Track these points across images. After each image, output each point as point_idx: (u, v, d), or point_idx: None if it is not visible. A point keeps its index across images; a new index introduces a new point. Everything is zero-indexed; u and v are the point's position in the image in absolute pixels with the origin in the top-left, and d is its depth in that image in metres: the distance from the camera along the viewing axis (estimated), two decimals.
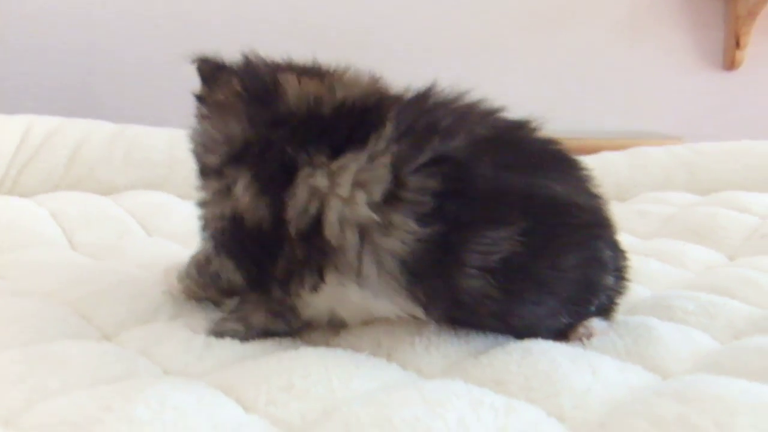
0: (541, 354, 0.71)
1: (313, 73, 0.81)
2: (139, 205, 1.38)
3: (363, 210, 0.71)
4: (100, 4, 2.32)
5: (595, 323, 0.81)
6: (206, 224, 0.81)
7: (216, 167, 0.79)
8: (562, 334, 0.80)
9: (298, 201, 0.73)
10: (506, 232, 0.71)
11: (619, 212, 1.48)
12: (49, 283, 0.95)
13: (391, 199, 0.71)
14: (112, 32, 2.32)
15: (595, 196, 0.82)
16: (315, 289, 0.75)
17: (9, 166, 1.51)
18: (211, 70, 0.84)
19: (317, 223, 0.72)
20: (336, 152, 0.73)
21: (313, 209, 0.72)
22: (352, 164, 0.72)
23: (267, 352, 0.75)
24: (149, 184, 1.53)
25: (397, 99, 0.79)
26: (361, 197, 0.71)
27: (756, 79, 2.80)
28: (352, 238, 0.72)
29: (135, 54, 2.34)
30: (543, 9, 2.66)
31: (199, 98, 0.84)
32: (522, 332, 0.77)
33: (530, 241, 0.71)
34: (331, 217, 0.72)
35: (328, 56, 0.83)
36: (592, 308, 0.81)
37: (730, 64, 2.76)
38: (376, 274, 0.72)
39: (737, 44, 2.72)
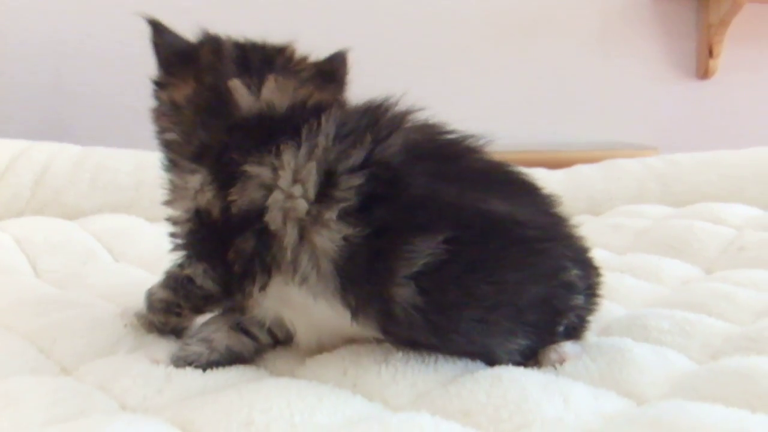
0: (511, 382, 0.69)
1: (266, 66, 0.83)
2: (105, 229, 1.35)
3: (301, 204, 0.73)
4: (69, 27, 2.29)
5: (568, 347, 0.79)
6: (176, 229, 0.82)
7: (177, 161, 0.82)
8: (533, 357, 0.78)
9: (246, 193, 0.75)
10: (431, 240, 0.70)
11: (592, 226, 1.49)
12: (8, 314, 0.92)
13: (323, 196, 0.72)
14: (79, 52, 2.29)
15: (551, 215, 0.81)
16: (263, 287, 0.76)
17: None
18: (168, 57, 0.85)
19: (261, 214, 0.74)
20: (280, 151, 0.75)
21: (258, 200, 0.74)
22: (292, 161, 0.74)
23: (229, 384, 0.73)
24: (116, 207, 1.50)
25: (340, 102, 0.83)
26: (298, 191, 0.73)
27: (730, 88, 2.80)
28: (292, 233, 0.73)
29: (101, 74, 2.31)
30: (514, 21, 2.65)
31: (158, 84, 0.86)
32: (479, 355, 0.76)
33: (459, 252, 0.71)
34: (274, 208, 0.74)
35: None
36: (560, 329, 0.79)
37: (703, 73, 2.76)
38: (315, 275, 0.73)
39: (710, 53, 2.72)
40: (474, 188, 0.75)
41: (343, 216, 0.71)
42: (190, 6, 2.27)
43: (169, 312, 0.84)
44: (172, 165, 0.83)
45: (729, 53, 2.75)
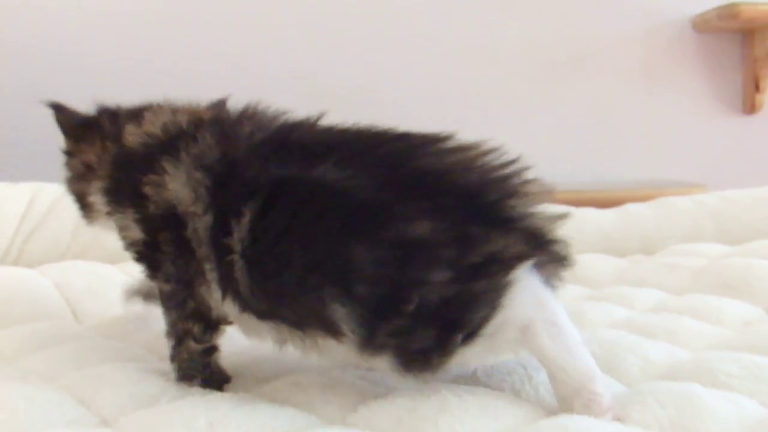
0: None
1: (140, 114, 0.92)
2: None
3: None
4: (109, 83, 2.30)
5: None
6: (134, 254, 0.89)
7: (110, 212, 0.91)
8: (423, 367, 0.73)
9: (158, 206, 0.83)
10: (247, 215, 0.75)
11: (647, 267, 1.45)
12: (48, 363, 0.90)
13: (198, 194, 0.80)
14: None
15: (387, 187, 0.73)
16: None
17: (15, 234, 1.47)
18: (73, 128, 0.97)
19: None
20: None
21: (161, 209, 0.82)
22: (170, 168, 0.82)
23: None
24: None
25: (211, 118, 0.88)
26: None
27: None
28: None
29: None
30: (555, 58, 2.63)
31: (68, 154, 0.98)
32: (327, 328, 0.73)
33: (268, 223, 0.74)
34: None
35: (336, 111, 0.83)
36: (411, 308, 0.70)
37: (750, 107, 2.70)
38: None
39: (756, 87, 2.67)
40: (303, 159, 0.76)
41: (203, 210, 0.79)
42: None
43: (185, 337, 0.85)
44: (111, 216, 0.91)
45: None
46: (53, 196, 1.55)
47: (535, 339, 0.73)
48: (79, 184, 0.97)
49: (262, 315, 0.77)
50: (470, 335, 0.71)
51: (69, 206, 1.49)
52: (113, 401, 0.77)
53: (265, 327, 0.79)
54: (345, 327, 0.71)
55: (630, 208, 1.73)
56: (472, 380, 0.84)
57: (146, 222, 0.84)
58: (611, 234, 1.63)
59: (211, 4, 2.42)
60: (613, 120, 2.67)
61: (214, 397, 0.78)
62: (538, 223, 0.75)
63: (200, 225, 0.79)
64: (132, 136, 0.89)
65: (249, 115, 0.87)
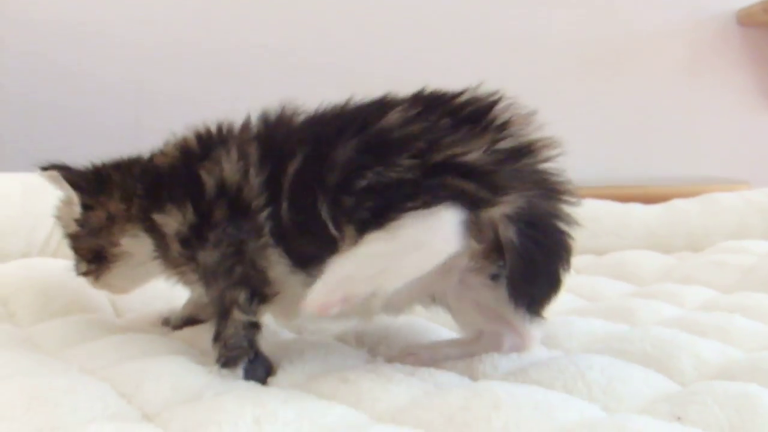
0: None
1: None
2: None
3: None
4: (147, 68, 2.29)
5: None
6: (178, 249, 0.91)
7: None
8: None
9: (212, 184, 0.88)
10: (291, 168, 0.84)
11: (694, 264, 1.42)
12: (89, 356, 0.89)
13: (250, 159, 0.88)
14: (157, 92, 2.29)
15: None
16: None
17: (53, 227, 1.45)
18: (88, 183, 0.99)
19: None
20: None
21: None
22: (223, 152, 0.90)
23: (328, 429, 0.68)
24: None
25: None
26: None
27: None
28: None
29: (179, 114, 2.30)
30: (598, 53, 2.58)
31: (88, 207, 0.99)
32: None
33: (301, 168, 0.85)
34: None
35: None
36: None
37: None
38: None
39: None
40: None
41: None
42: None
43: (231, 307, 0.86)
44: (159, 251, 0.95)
45: None
46: None
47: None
48: (98, 237, 0.99)
49: (297, 260, 0.84)
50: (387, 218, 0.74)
51: None
52: (155, 395, 0.76)
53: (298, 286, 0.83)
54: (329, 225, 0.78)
55: (676, 204, 1.70)
56: (523, 377, 0.82)
57: (199, 203, 0.88)
58: (657, 230, 1.61)
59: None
60: (655, 115, 2.62)
61: (260, 391, 0.77)
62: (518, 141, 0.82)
63: (255, 182, 0.85)
64: (165, 156, 0.96)
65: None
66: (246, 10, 2.35)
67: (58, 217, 1.06)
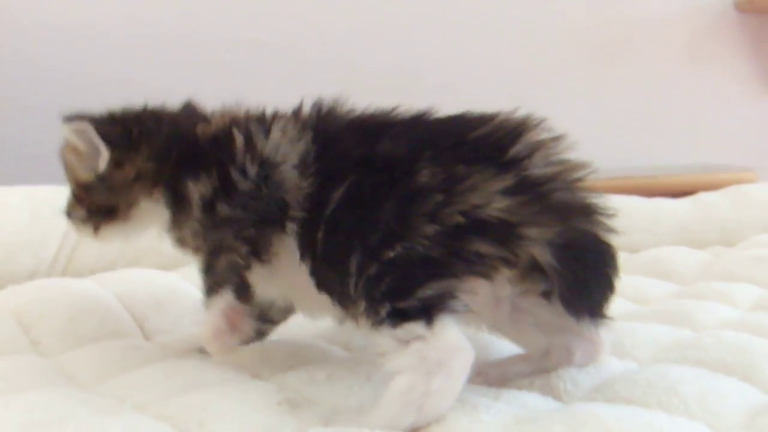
0: None
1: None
2: None
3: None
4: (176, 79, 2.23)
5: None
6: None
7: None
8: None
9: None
10: (341, 188, 0.80)
11: (731, 259, 1.38)
12: (135, 389, 0.82)
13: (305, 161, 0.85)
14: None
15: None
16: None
17: (62, 242, 1.37)
18: (120, 137, 0.93)
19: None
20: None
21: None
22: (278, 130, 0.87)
23: None
24: None
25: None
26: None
27: None
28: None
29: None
30: (598, 42, 2.55)
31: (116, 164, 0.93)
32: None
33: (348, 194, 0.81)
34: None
35: (380, 97, 0.88)
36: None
37: None
38: None
39: None
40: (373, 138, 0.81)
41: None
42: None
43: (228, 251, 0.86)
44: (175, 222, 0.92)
45: None
46: None
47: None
48: (117, 194, 0.94)
49: (320, 284, 0.81)
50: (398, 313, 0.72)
51: None
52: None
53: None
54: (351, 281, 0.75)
55: (704, 197, 1.67)
56: (611, 394, 0.78)
57: (230, 174, 0.86)
58: (689, 225, 1.58)
59: None
60: (657, 104, 2.60)
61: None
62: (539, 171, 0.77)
63: (300, 193, 0.82)
64: (215, 124, 0.92)
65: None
66: (239, 7, 2.29)
67: (66, 164, 0.99)
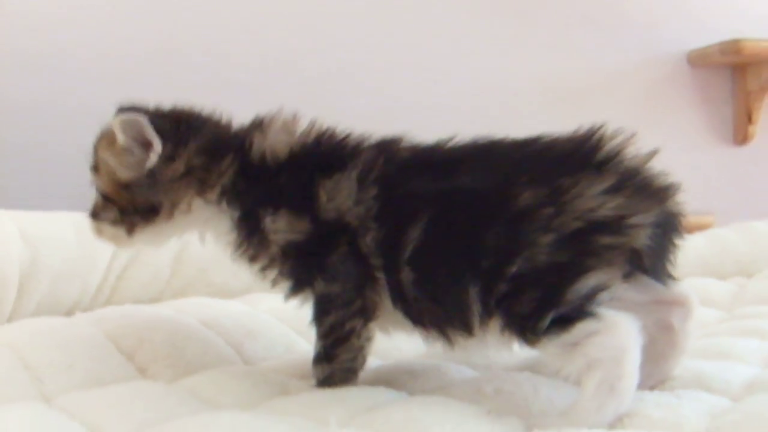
0: None
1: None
2: (277, 309, 1.19)
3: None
4: None
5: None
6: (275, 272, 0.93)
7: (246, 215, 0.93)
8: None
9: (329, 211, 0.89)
10: (417, 227, 0.85)
11: (756, 289, 1.45)
12: (303, 408, 0.81)
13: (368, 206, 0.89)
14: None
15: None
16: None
17: (107, 271, 1.33)
18: (173, 131, 0.93)
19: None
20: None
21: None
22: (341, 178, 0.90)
23: None
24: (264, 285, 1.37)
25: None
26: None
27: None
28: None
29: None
30: (555, 90, 2.63)
31: (168, 158, 0.93)
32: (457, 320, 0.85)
33: (428, 231, 0.85)
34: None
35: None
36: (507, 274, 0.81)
37: (742, 138, 2.76)
38: None
39: (749, 119, 2.72)
40: (446, 173, 0.87)
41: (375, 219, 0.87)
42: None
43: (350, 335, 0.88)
44: (239, 223, 0.92)
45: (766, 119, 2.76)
46: None
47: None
48: (165, 191, 0.94)
49: (416, 321, 0.87)
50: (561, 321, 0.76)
51: None
52: None
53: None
54: (474, 308, 0.80)
55: (717, 232, 1.76)
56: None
57: (317, 223, 0.88)
58: (709, 258, 1.65)
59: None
60: None
61: None
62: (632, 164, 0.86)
63: (371, 235, 0.86)
64: (280, 144, 0.93)
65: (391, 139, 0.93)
66: (237, 17, 2.26)
67: (100, 163, 0.97)
